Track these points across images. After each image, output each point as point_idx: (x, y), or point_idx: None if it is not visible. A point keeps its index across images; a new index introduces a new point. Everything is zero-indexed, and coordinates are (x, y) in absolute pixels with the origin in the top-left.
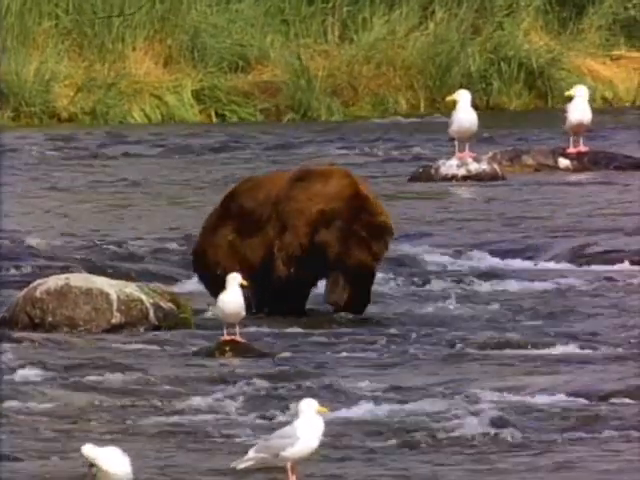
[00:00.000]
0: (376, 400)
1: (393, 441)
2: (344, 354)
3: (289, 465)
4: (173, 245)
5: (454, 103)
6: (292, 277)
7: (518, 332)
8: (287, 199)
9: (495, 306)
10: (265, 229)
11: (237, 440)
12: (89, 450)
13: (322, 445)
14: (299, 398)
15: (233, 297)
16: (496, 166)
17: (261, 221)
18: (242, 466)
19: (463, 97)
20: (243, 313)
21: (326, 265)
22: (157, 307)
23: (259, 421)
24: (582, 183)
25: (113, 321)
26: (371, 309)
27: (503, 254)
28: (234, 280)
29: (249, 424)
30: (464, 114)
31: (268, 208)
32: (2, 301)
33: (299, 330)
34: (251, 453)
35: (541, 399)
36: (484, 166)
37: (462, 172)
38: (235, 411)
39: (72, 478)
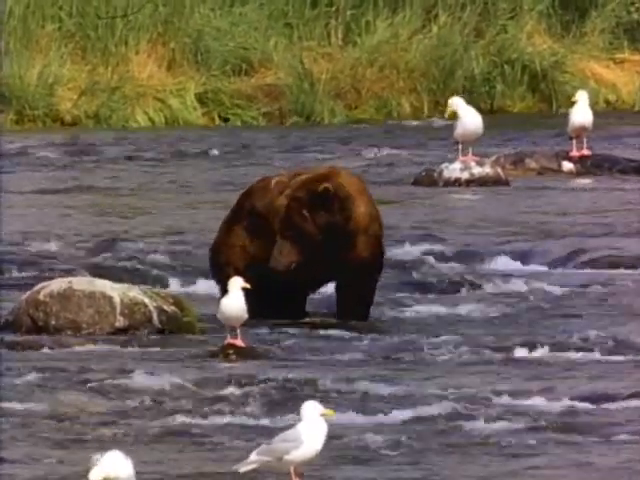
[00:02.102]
0: (381, 403)
1: (398, 444)
2: (348, 357)
3: (292, 469)
4: (176, 248)
5: (454, 115)
6: (293, 280)
7: (523, 335)
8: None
9: (498, 309)
10: (272, 231)
11: (240, 443)
12: (95, 475)
13: (325, 448)
14: (303, 401)
15: (235, 301)
16: (499, 170)
17: (269, 223)
18: (244, 469)
19: (460, 103)
20: (245, 316)
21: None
22: (160, 310)
23: (262, 424)
24: (585, 187)
25: (116, 324)
26: (374, 312)
27: (507, 258)
28: (236, 283)
29: (252, 427)
30: (469, 117)
31: (273, 210)
32: (5, 304)
33: (303, 333)
34: (253, 456)
35: (547, 402)
36: (487, 170)
37: (465, 176)
38: (238, 414)
39: None
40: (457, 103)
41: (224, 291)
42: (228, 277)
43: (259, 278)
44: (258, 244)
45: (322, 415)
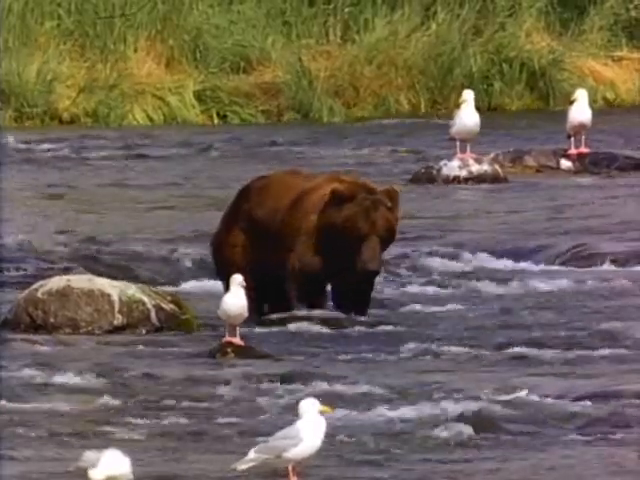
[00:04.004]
0: (380, 401)
1: (395, 442)
2: (346, 355)
3: (290, 466)
4: (175, 246)
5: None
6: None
7: (519, 333)
8: (288, 216)
9: (496, 307)
10: (273, 237)
11: (238, 441)
12: (97, 475)
13: (324, 445)
14: (301, 399)
15: (236, 298)
16: (498, 167)
17: (270, 228)
18: (243, 467)
19: (469, 97)
20: (246, 314)
21: (357, 238)
22: (159, 308)
23: (260, 422)
24: (583, 184)
25: (115, 323)
26: (373, 310)
27: (505, 256)
28: (237, 281)
29: (250, 425)
30: (468, 115)
31: (275, 218)
32: (4, 302)
33: (301, 331)
34: (252, 454)
35: (543, 399)
36: (486, 167)
37: (464, 173)
38: (236, 412)
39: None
40: (466, 97)
41: (228, 288)
42: (230, 275)
43: (261, 277)
44: (258, 246)
45: (320, 412)
